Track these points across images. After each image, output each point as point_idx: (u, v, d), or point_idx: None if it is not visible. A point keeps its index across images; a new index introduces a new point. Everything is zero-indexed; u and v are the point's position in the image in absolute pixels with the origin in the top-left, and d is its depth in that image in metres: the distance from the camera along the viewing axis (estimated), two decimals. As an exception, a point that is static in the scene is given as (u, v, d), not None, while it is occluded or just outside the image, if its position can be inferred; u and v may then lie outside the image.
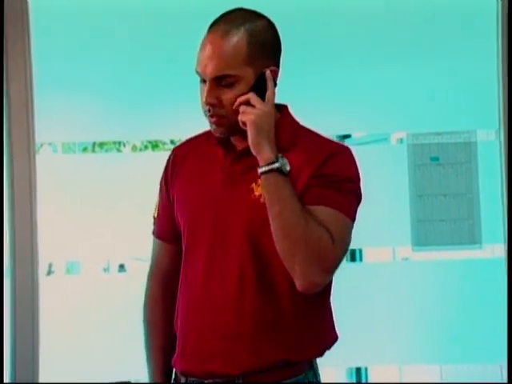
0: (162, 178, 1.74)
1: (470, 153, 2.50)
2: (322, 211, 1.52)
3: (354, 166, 1.61)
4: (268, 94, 1.55)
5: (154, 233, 1.76)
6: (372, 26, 2.50)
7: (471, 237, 2.48)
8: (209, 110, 1.56)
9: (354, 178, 1.60)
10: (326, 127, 2.57)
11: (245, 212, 1.57)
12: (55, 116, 2.46)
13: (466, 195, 2.48)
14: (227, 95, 1.54)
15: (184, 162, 1.69)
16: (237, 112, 1.55)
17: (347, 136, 3.18)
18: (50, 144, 2.61)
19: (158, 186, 1.74)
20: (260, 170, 1.52)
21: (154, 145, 3.91)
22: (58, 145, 2.67)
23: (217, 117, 1.57)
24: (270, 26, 1.59)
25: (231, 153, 1.62)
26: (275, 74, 1.58)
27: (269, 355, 1.57)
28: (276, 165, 1.50)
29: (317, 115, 2.47)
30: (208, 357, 1.59)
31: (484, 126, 2.54)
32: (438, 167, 2.49)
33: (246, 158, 1.59)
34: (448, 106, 2.51)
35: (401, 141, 2.69)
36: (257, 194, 1.57)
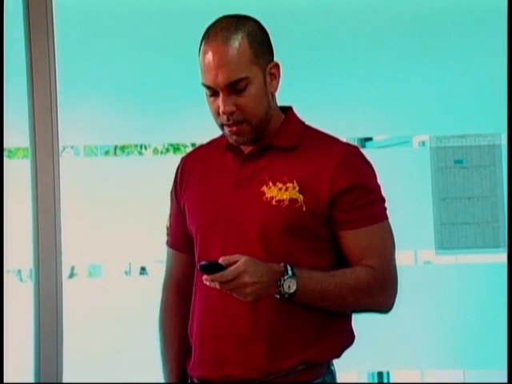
0: (172, 187, 1.74)
1: (494, 155, 2.48)
2: (361, 235, 1.58)
3: (366, 165, 1.63)
4: None
5: (167, 243, 1.77)
6: (394, 27, 2.49)
7: (495, 240, 2.45)
8: (228, 119, 1.56)
9: (372, 183, 1.61)
10: (348, 130, 2.58)
11: (257, 215, 1.58)
12: (77, 119, 2.47)
13: (490, 198, 2.46)
14: (243, 99, 1.55)
15: (193, 171, 1.70)
16: (256, 115, 1.57)
17: (369, 139, 3.17)
18: (72, 147, 2.63)
19: (169, 196, 1.75)
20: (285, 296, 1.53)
21: (176, 148, 3.92)
22: (80, 148, 2.69)
23: (237, 125, 1.57)
24: (259, 25, 1.61)
25: (239, 156, 1.63)
26: (278, 68, 1.60)
27: (286, 357, 1.56)
28: (286, 288, 1.51)
29: (338, 118, 2.48)
30: (225, 361, 1.59)
31: (508, 128, 2.52)
32: (462, 170, 2.47)
33: (254, 160, 1.61)
34: (472, 108, 2.49)
35: (423, 143, 2.67)
36: (268, 196, 1.58)
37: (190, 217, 1.67)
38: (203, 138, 1.79)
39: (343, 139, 1.67)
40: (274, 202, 1.56)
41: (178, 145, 3.84)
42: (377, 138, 3.17)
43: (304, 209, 1.56)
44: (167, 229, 1.77)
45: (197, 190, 1.67)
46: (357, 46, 2.50)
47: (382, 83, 2.50)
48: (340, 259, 1.62)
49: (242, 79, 1.54)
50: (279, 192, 1.57)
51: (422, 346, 2.50)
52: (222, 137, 1.67)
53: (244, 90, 1.54)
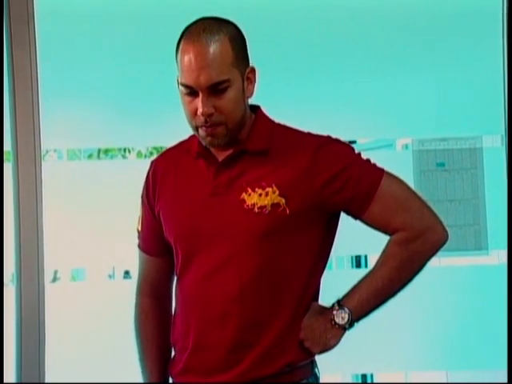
0: (144, 192, 1.71)
1: (475, 158, 2.50)
2: (375, 208, 1.58)
3: (339, 147, 1.61)
4: None
5: (139, 246, 1.75)
6: (378, 32, 2.51)
7: (477, 243, 2.47)
8: (206, 121, 1.55)
9: (350, 158, 1.60)
10: (331, 133, 2.59)
11: (241, 224, 1.57)
12: (60, 123, 2.47)
13: (471, 201, 2.48)
14: (222, 101, 1.54)
15: (165, 176, 1.67)
16: (233, 118, 1.56)
17: (352, 142, 3.18)
18: (55, 151, 2.63)
19: (140, 199, 1.72)
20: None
21: (160, 151, 3.91)
22: (63, 151, 2.68)
23: (214, 127, 1.56)
24: (239, 29, 1.61)
25: (213, 164, 1.61)
26: (254, 73, 1.60)
27: (272, 362, 1.57)
28: (341, 321, 1.59)
29: (322, 121, 2.48)
30: (212, 370, 1.59)
31: (489, 131, 2.54)
32: (444, 173, 2.49)
33: (229, 168, 1.59)
34: (453, 111, 2.51)
35: (406, 147, 2.69)
36: (249, 203, 1.57)
37: (168, 227, 1.65)
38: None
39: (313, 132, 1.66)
40: (256, 210, 1.56)
41: (161, 148, 3.82)
42: (360, 141, 3.19)
43: (288, 212, 1.56)
44: (138, 232, 1.74)
45: (171, 199, 1.65)
46: (341, 49, 2.51)
47: (365, 87, 2.51)
48: (323, 256, 1.63)
49: (223, 81, 1.53)
50: (260, 198, 1.56)
51: (405, 348, 2.51)
52: (192, 139, 1.65)
53: (224, 92, 1.54)
